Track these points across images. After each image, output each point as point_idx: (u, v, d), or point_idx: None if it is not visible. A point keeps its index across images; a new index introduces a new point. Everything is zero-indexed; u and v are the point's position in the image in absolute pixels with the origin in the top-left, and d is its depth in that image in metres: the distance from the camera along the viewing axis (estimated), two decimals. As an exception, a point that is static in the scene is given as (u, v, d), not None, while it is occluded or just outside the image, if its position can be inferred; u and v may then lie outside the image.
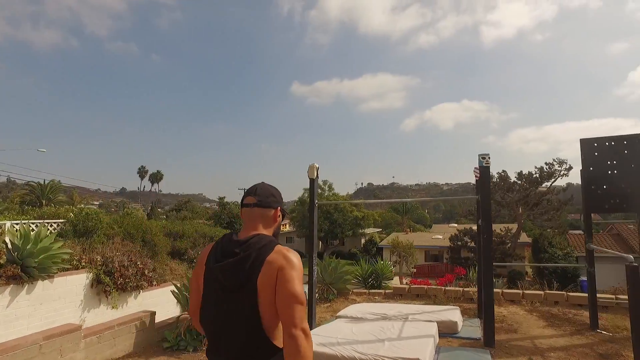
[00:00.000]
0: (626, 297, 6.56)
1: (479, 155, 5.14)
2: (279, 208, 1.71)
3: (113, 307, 7.46)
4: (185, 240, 11.87)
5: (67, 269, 6.92)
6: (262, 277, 1.48)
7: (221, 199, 28.95)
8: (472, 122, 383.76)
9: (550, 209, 25.05)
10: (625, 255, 4.27)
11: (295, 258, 1.54)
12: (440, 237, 33.84)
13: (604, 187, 5.52)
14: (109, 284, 7.26)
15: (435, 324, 4.93)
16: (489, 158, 5.08)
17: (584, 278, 18.84)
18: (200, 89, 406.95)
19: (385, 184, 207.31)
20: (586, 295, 6.51)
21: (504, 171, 26.12)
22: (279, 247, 1.56)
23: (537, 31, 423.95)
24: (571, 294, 6.83)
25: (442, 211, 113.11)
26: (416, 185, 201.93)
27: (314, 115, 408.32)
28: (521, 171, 25.62)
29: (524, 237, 27.95)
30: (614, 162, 5.52)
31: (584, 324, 5.65)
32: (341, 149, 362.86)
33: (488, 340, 4.62)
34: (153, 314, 5.19)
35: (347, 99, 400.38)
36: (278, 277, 1.47)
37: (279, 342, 1.52)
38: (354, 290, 8.39)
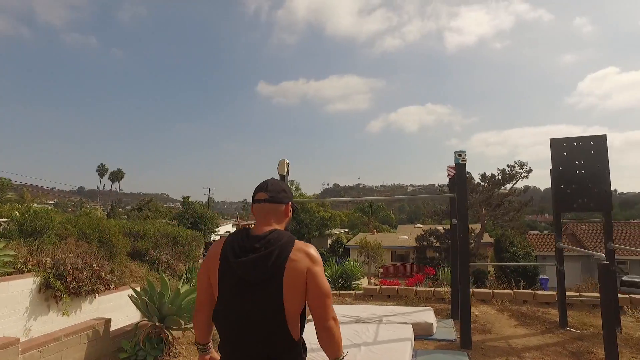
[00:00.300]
0: (590, 294, 6.75)
1: (455, 152, 5.05)
2: (289, 203, 1.74)
3: (64, 314, 6.82)
4: (146, 241, 11.24)
5: (10, 273, 6.24)
6: (288, 275, 1.52)
7: (185, 198, 27.91)
8: (435, 125, 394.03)
9: (511, 210, 25.98)
10: (596, 253, 4.29)
11: (315, 253, 1.61)
12: (406, 237, 34.30)
13: (573, 186, 5.59)
14: (60, 288, 6.63)
15: (411, 326, 4.78)
16: (465, 155, 5.00)
17: (543, 276, 19.68)
18: (163, 86, 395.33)
19: (351, 184, 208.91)
20: (553, 293, 6.62)
21: (468, 173, 26.80)
22: (297, 243, 1.60)
23: (497, 39, 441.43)
24: (539, 292, 6.94)
25: (407, 212, 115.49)
26: (381, 186, 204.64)
27: (280, 115, 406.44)
28: (485, 173, 26.45)
29: (486, 237, 28.83)
30: (582, 162, 5.61)
31: (553, 322, 5.70)
32: (307, 149, 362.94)
33: (465, 342, 4.53)
34: (108, 321, 4.73)
35: (313, 100, 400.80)
36: (308, 277, 1.55)
37: (296, 335, 1.58)
38: (324, 292, 8.18)
